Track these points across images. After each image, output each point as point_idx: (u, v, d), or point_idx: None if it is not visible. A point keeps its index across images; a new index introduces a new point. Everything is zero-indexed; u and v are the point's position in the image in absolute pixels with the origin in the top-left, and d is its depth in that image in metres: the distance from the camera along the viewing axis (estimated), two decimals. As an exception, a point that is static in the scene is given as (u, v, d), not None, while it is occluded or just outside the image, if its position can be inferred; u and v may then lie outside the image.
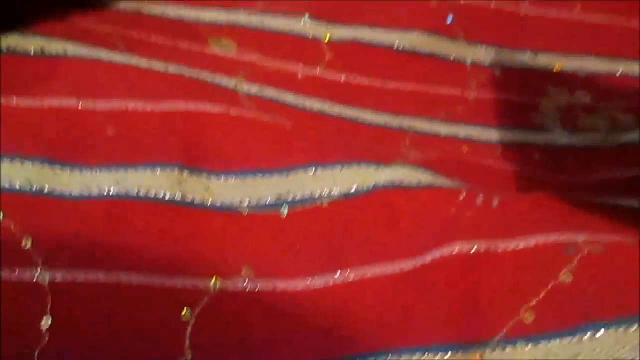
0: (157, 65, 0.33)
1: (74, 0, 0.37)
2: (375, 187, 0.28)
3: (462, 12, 0.42)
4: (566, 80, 0.41)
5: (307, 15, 0.40)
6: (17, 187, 0.26)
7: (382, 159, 0.30)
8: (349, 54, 0.39)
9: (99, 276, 0.24)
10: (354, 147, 0.31)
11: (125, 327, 0.23)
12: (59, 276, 0.24)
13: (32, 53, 0.32)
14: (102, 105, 0.30)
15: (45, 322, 0.23)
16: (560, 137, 0.37)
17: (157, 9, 0.39)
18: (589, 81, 0.41)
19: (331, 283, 0.25)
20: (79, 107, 0.30)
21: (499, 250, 0.25)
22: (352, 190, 0.28)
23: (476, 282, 0.24)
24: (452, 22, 0.42)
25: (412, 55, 0.40)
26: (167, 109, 0.30)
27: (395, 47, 0.40)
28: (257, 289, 0.25)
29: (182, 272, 0.25)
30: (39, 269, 0.24)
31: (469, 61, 0.41)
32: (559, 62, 0.42)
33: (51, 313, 0.23)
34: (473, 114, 0.38)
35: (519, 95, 0.39)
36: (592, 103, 0.40)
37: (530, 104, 0.39)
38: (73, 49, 0.33)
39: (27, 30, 0.33)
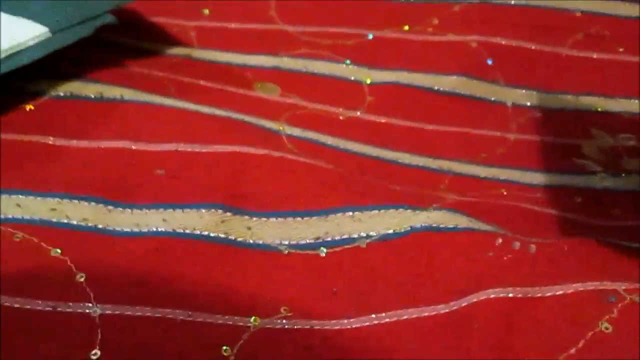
0: (205, 109, 0.35)
1: (128, 47, 0.40)
2: (412, 230, 0.28)
3: (502, 53, 0.43)
4: (609, 122, 0.41)
5: (348, 60, 0.42)
6: (75, 224, 0.28)
7: (420, 203, 0.30)
8: (390, 97, 0.40)
9: (146, 311, 0.25)
10: (392, 191, 0.31)
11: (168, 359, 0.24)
12: (108, 310, 0.25)
13: (92, 97, 0.35)
14: (153, 147, 0.32)
15: (95, 353, 0.24)
16: (603, 181, 0.37)
17: (206, 55, 0.41)
18: (633, 123, 0.41)
19: (367, 324, 0.26)
20: (133, 149, 0.32)
21: (537, 297, 0.25)
22: (390, 232, 0.29)
23: (512, 329, 0.24)
24: (492, 64, 0.42)
25: (452, 98, 0.41)
26: (213, 151, 0.32)
27: (435, 89, 0.41)
28: (294, 328, 0.25)
29: (224, 310, 0.26)
30: (91, 304, 0.25)
31: (509, 103, 0.41)
32: (601, 104, 0.42)
33: (100, 345, 0.24)
34: (513, 157, 0.38)
35: (560, 137, 0.39)
36: (635, 145, 0.39)
37: (572, 146, 0.39)
38: (129, 94, 0.35)
39: (86, 77, 0.35)
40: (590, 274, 0.26)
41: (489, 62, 0.42)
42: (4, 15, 0.34)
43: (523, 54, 0.43)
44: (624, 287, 0.25)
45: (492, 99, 0.41)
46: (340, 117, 0.39)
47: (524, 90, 0.42)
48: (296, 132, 0.36)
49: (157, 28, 0.42)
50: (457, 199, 0.33)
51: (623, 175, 0.37)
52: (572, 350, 0.23)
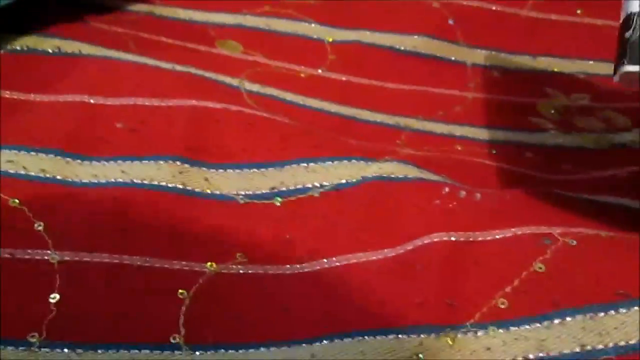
0: (165, 65, 0.35)
1: (88, 3, 0.39)
2: (363, 180, 0.30)
3: (464, 14, 0.44)
4: (564, 82, 0.42)
5: (311, 19, 0.42)
6: (33, 175, 0.29)
7: (373, 155, 0.31)
8: (351, 56, 0.41)
9: (104, 257, 0.26)
10: (347, 144, 0.32)
11: (125, 303, 0.25)
12: (67, 257, 0.26)
13: (50, 52, 0.35)
14: (112, 101, 0.32)
15: (54, 297, 0.25)
16: (554, 138, 0.38)
17: (167, 12, 0.41)
18: (587, 83, 0.42)
19: (318, 269, 0.27)
20: (91, 102, 0.32)
21: (478, 241, 0.27)
22: (343, 182, 0.30)
23: (453, 271, 0.26)
24: (453, 24, 0.43)
25: (412, 57, 0.41)
26: (172, 105, 0.32)
27: (396, 49, 0.41)
28: (249, 273, 0.27)
29: (181, 256, 0.27)
30: (49, 250, 0.26)
31: (469, 63, 0.42)
32: (557, 64, 0.43)
33: (59, 290, 0.25)
34: (470, 115, 0.39)
35: (516, 96, 0.41)
36: (588, 104, 0.41)
37: (528, 105, 0.40)
38: (88, 49, 0.35)
39: (44, 32, 0.35)
40: (529, 220, 0.27)
41: (450, 22, 0.43)
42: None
43: (484, 14, 0.44)
44: (559, 231, 0.26)
45: (452, 58, 0.42)
46: (302, 75, 0.39)
47: (483, 51, 0.42)
48: (256, 88, 0.36)
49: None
50: (412, 153, 0.34)
51: (574, 133, 0.39)
52: (508, 289, 0.25)
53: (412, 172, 0.30)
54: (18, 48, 0.35)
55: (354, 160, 0.30)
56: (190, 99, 0.33)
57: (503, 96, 0.41)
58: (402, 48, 0.41)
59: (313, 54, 0.41)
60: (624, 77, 0.24)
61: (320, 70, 0.40)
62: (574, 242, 0.26)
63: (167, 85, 0.34)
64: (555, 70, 0.42)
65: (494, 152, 0.37)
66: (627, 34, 0.24)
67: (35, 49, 0.35)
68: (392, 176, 0.30)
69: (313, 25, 0.42)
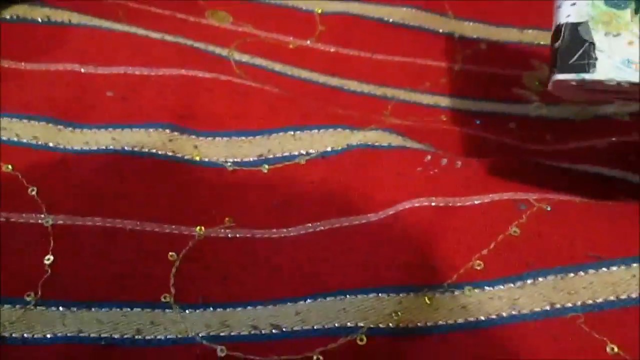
0: (154, 35, 0.35)
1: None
2: (348, 148, 0.30)
3: (452, -13, 0.44)
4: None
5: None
6: (25, 142, 0.29)
7: (359, 124, 0.32)
8: (340, 27, 0.41)
9: (96, 221, 0.27)
10: (334, 113, 0.33)
11: (117, 265, 0.26)
12: (60, 220, 0.27)
13: (39, 21, 0.35)
14: (103, 70, 0.33)
15: (48, 259, 0.26)
16: (538, 109, 0.39)
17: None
18: (572, 56, 0.43)
19: (303, 232, 0.28)
20: (82, 71, 0.33)
21: (457, 206, 0.28)
22: (328, 150, 0.30)
23: (433, 234, 0.27)
24: (441, -4, 0.43)
25: (401, 29, 0.42)
26: (162, 74, 0.33)
27: (385, 20, 0.42)
28: (237, 237, 0.28)
29: (171, 220, 0.28)
30: (43, 214, 0.27)
31: (456, 35, 0.42)
32: (544, 38, 0.43)
33: (53, 252, 0.26)
34: (456, 86, 0.40)
35: (502, 68, 0.41)
36: (572, 77, 0.41)
37: (513, 77, 0.41)
38: (77, 18, 0.35)
39: (34, 1, 0.36)
40: (507, 187, 0.28)
41: (439, -6, 0.44)
42: None
43: (472, -14, 0.44)
44: (534, 197, 0.27)
45: (440, 30, 0.42)
46: (291, 46, 0.40)
47: (471, 23, 0.43)
48: (245, 58, 0.37)
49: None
50: (397, 122, 0.34)
51: (558, 105, 0.40)
52: (484, 251, 0.26)
53: (395, 140, 0.31)
54: (8, 17, 0.35)
55: (339, 129, 0.31)
56: (180, 68, 0.33)
57: (489, 68, 0.41)
58: (391, 20, 0.42)
59: (302, 25, 0.41)
60: (555, 85, 0.25)
61: (309, 41, 0.40)
62: (549, 208, 0.27)
63: (157, 55, 0.34)
64: (542, 42, 0.43)
65: (478, 122, 0.37)
66: (557, 44, 0.25)
67: (25, 18, 0.35)
68: (376, 144, 0.30)
69: (302, -5, 0.42)
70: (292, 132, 0.31)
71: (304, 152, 0.31)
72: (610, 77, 0.23)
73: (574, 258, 0.25)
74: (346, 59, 0.40)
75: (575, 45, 0.24)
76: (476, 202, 0.28)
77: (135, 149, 0.30)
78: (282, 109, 0.32)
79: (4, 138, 0.29)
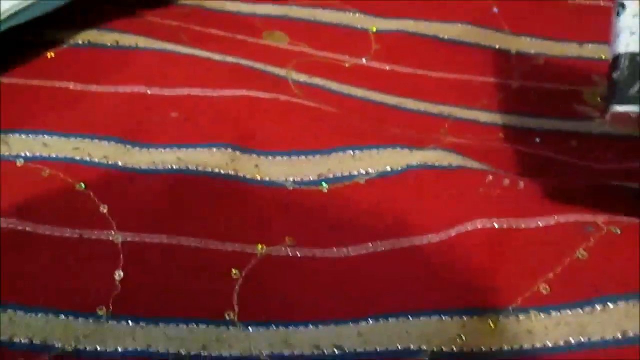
0: (216, 57, 0.36)
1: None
2: (408, 167, 0.30)
3: (508, 2, 0.44)
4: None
5: (355, 8, 0.43)
6: (96, 161, 0.31)
7: (417, 143, 0.32)
8: (395, 45, 0.41)
9: (162, 239, 0.28)
10: (392, 132, 0.33)
11: (183, 281, 0.27)
12: (129, 237, 0.28)
13: (108, 45, 0.37)
14: (168, 92, 0.34)
15: (118, 275, 0.27)
16: (600, 126, 0.38)
17: (216, 4, 0.43)
18: (635, 71, 0.41)
19: (364, 252, 0.28)
20: (148, 93, 0.34)
21: (520, 228, 0.27)
22: (387, 170, 0.31)
23: (497, 256, 0.26)
24: (497, 12, 0.43)
25: (456, 46, 0.42)
26: (223, 95, 0.34)
27: (440, 37, 0.42)
28: (297, 256, 0.28)
29: (233, 238, 0.28)
30: (113, 231, 0.28)
31: (513, 51, 0.42)
32: (605, 52, 0.42)
33: (123, 268, 0.27)
34: (513, 103, 0.39)
35: (561, 84, 0.40)
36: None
37: (573, 92, 0.40)
38: (143, 42, 0.37)
39: (103, 27, 0.37)
40: (572, 208, 0.27)
41: (495, 10, 0.43)
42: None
43: (529, 2, 0.44)
44: (602, 220, 0.27)
45: (497, 47, 0.42)
46: (346, 65, 0.40)
47: (528, 39, 0.42)
48: (303, 78, 0.37)
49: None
50: (455, 141, 0.34)
51: (621, 121, 0.38)
52: (550, 275, 0.26)
53: (456, 160, 0.31)
54: (80, 42, 0.37)
55: (398, 148, 0.31)
56: (240, 89, 0.34)
57: (548, 84, 0.41)
58: (446, 37, 0.42)
59: (357, 43, 0.41)
60: (613, 117, 0.24)
61: (364, 60, 0.40)
62: (618, 231, 0.26)
63: (219, 76, 0.35)
64: (603, 57, 0.42)
65: (538, 140, 0.37)
66: (615, 75, 0.24)
67: (95, 43, 0.37)
68: (437, 164, 0.30)
69: (357, 15, 0.43)
70: (351, 152, 0.31)
71: (364, 172, 0.31)
72: None
73: (646, 284, 0.24)
74: (402, 77, 0.40)
75: (635, 75, 0.23)
76: (540, 224, 0.27)
77: (199, 169, 0.31)
78: (340, 129, 0.33)
79: (77, 157, 0.31)
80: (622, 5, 0.25)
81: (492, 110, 0.39)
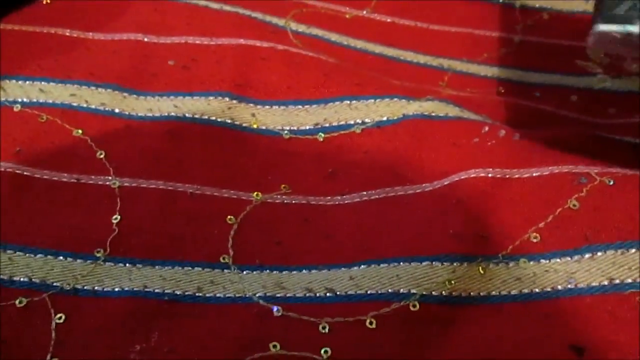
0: (214, 5, 0.36)
1: None
2: (404, 117, 0.30)
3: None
4: (617, 25, 0.41)
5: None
6: (93, 108, 0.31)
7: (415, 94, 0.32)
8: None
9: (159, 184, 0.28)
10: (389, 83, 0.33)
11: (179, 226, 0.27)
12: (126, 182, 0.28)
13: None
14: (164, 39, 0.34)
15: (115, 218, 0.27)
16: (601, 82, 0.38)
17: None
18: (641, 26, 0.41)
19: (358, 200, 0.28)
20: (145, 41, 0.34)
21: (514, 177, 0.27)
22: (384, 119, 0.31)
23: (489, 205, 0.27)
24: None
25: (459, -1, 0.41)
26: (221, 44, 0.34)
27: (442, -11, 0.41)
28: (293, 203, 0.28)
29: (229, 185, 0.29)
30: (110, 177, 0.28)
31: (517, 5, 0.41)
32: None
33: (120, 211, 0.27)
34: (515, 58, 0.39)
35: (566, 39, 0.40)
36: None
37: (577, 48, 0.39)
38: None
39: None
40: (567, 160, 0.27)
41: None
42: None
43: (535, -46, 0.43)
44: (596, 171, 0.27)
45: (500, 0, 0.41)
46: (347, 16, 0.39)
47: (533, -8, 0.42)
48: (302, 28, 0.37)
49: None
50: (453, 94, 0.34)
51: (623, 77, 0.38)
52: (541, 224, 0.26)
53: (452, 111, 0.31)
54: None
55: (395, 99, 0.31)
56: (238, 38, 0.34)
57: (551, 39, 0.40)
58: (449, -12, 0.41)
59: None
60: (597, 38, 0.23)
61: (365, 12, 0.40)
62: (612, 182, 0.26)
63: (216, 25, 0.35)
64: (609, 12, 0.41)
65: (538, 94, 0.36)
66: None
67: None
68: (433, 114, 0.30)
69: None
70: (348, 102, 0.31)
71: (360, 122, 0.31)
72: None
73: (636, 233, 0.25)
74: (402, 29, 0.40)
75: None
76: (534, 174, 0.27)
77: (196, 116, 0.31)
78: (338, 79, 0.32)
79: (74, 104, 0.31)
80: None
81: (493, 65, 0.38)
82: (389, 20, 0.40)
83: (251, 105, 0.32)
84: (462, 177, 0.28)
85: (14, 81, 0.32)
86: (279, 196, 0.29)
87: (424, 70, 0.37)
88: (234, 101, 0.31)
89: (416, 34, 0.39)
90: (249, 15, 0.36)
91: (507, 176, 0.27)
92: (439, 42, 0.39)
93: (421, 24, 0.40)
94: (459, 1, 0.41)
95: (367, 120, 0.31)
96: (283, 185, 0.29)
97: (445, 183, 0.28)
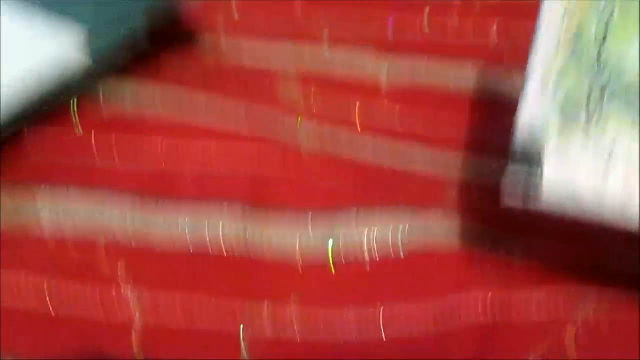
0: (230, 104, 0.38)
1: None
2: (409, 238, 0.32)
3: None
4: None
5: (369, 49, 0.43)
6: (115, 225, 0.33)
7: (421, 204, 0.33)
8: (406, 90, 0.42)
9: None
10: (395, 193, 0.34)
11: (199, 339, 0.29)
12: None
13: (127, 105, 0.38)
14: (182, 146, 0.36)
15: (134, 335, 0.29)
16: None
17: (232, 43, 0.43)
18: None
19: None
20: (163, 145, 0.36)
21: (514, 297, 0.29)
22: (388, 241, 0.32)
23: (488, 327, 0.28)
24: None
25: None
26: (234, 151, 0.36)
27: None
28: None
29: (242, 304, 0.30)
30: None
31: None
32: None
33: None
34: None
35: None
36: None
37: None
38: (161, 100, 0.38)
39: (124, 77, 0.38)
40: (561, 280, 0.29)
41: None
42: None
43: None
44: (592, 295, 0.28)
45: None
46: (357, 107, 0.40)
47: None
48: (312, 126, 0.38)
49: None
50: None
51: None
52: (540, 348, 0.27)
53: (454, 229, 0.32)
54: (102, 100, 0.38)
55: (401, 207, 0.33)
56: (252, 143, 0.36)
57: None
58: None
59: (368, 86, 0.42)
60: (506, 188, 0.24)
61: (375, 105, 0.41)
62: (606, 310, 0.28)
63: (231, 129, 0.37)
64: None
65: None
66: (513, 145, 0.25)
67: (116, 100, 0.38)
68: (436, 239, 0.32)
69: (369, 55, 0.43)
70: (355, 213, 0.33)
71: (365, 240, 0.32)
72: (554, 192, 0.23)
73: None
74: (411, 120, 0.40)
75: (527, 151, 0.24)
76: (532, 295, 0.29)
77: (211, 235, 0.32)
78: (344, 189, 0.34)
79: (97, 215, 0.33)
80: (528, 77, 0.25)
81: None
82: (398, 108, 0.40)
83: (263, 212, 0.33)
84: (463, 297, 0.29)
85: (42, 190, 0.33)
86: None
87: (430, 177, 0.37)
88: (247, 209, 0.33)
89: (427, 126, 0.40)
90: (263, 116, 0.38)
91: (506, 298, 0.29)
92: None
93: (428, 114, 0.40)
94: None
95: (373, 236, 0.32)
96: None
97: (446, 304, 0.29)
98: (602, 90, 0.25)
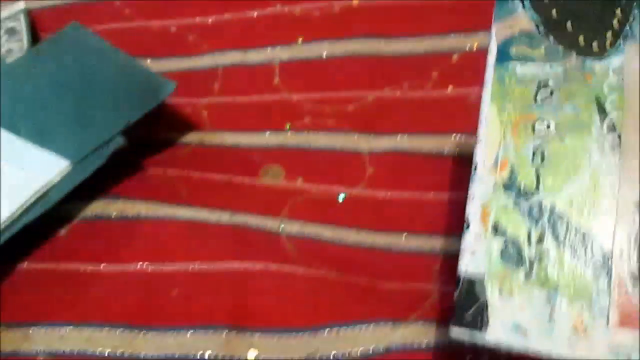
0: (212, 217, 0.39)
1: (144, 143, 0.43)
2: (388, 350, 0.32)
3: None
4: None
5: (350, 129, 0.43)
6: (106, 354, 0.34)
7: (400, 315, 0.33)
8: (390, 166, 0.42)
9: None
10: (377, 299, 0.34)
11: None
12: None
13: (113, 217, 0.40)
14: (167, 268, 0.37)
15: None
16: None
17: (216, 139, 0.44)
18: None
19: None
20: (149, 271, 0.37)
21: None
22: (369, 351, 0.32)
23: None
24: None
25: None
26: (217, 270, 0.36)
27: (435, 153, 0.42)
28: None
29: None
30: None
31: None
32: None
33: None
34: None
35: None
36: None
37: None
38: (145, 209, 0.39)
39: (108, 194, 0.40)
40: None
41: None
42: (33, 150, 0.39)
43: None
44: None
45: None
46: (339, 199, 0.41)
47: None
48: (295, 228, 0.39)
49: (171, 112, 0.45)
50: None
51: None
52: None
53: (433, 337, 0.32)
54: (88, 215, 0.40)
55: (381, 324, 0.33)
56: (233, 260, 0.37)
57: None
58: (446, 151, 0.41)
59: (352, 169, 0.42)
60: (454, 337, 0.24)
61: (359, 189, 0.41)
62: None
63: (213, 246, 0.37)
64: None
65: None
66: (456, 295, 0.25)
67: (101, 215, 0.40)
68: (415, 346, 0.32)
69: (352, 134, 0.43)
70: (336, 329, 0.33)
71: (347, 354, 0.32)
72: (499, 341, 0.23)
73: None
74: (398, 203, 0.40)
75: (470, 301, 0.24)
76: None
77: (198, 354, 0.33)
78: (327, 302, 0.34)
79: (89, 351, 0.34)
80: (467, 225, 0.25)
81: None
82: (382, 195, 0.41)
83: (248, 335, 0.34)
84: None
85: (37, 328, 0.35)
86: None
87: (415, 259, 0.38)
88: (232, 334, 0.34)
89: (412, 211, 0.40)
90: (245, 223, 0.39)
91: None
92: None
93: (415, 195, 0.41)
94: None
95: (353, 350, 0.32)
96: None
97: None
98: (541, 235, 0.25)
